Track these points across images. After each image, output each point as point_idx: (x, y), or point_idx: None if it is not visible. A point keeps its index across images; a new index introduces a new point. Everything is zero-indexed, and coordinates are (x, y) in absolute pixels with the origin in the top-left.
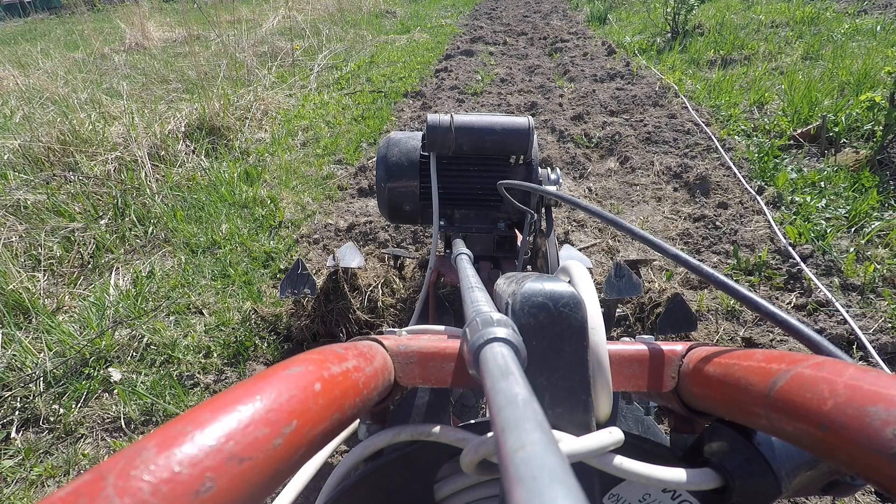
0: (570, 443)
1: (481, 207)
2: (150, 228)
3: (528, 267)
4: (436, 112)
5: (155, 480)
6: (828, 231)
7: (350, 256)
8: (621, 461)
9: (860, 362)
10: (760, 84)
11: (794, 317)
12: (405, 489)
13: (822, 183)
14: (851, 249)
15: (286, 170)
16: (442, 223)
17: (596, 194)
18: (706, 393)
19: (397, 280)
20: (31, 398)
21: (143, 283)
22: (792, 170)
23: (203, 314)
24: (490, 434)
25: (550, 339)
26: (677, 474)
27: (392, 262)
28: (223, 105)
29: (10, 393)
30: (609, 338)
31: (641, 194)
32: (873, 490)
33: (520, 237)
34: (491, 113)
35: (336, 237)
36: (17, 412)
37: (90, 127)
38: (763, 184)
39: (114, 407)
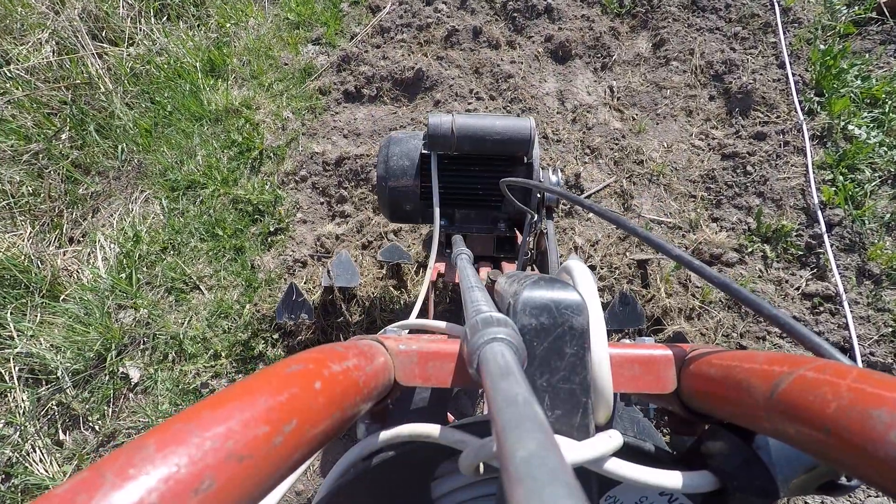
0: (569, 450)
1: (482, 207)
2: (119, 147)
3: (528, 267)
4: (437, 112)
5: (154, 478)
6: (868, 191)
7: (344, 273)
8: (619, 465)
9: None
10: None
11: (796, 321)
12: (402, 487)
13: (888, 103)
14: (887, 216)
15: (256, 52)
16: (443, 223)
17: (618, 98)
18: (707, 395)
19: (395, 291)
20: (67, 402)
21: (130, 248)
22: (857, 75)
23: (201, 290)
24: (490, 438)
25: (551, 340)
26: (674, 478)
27: (389, 273)
28: None
29: (43, 390)
30: (609, 339)
31: (671, 103)
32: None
33: (520, 237)
34: (493, 113)
35: (325, 172)
36: (58, 412)
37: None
38: (818, 99)
39: (143, 407)
